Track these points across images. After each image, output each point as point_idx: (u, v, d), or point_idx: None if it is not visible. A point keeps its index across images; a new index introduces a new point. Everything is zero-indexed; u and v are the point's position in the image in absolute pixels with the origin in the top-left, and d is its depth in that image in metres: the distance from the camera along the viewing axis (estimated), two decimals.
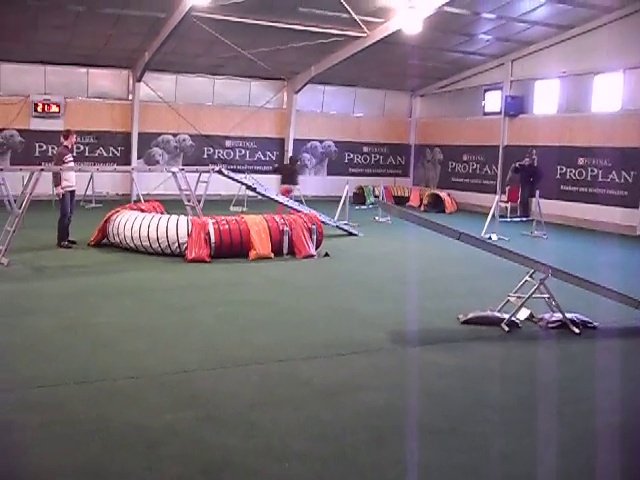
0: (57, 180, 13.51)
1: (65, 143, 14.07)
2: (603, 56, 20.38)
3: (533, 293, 8.66)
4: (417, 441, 5.25)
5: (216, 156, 25.96)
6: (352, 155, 28.43)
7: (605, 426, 5.61)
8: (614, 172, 20.37)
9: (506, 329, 8.46)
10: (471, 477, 4.76)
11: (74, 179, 13.94)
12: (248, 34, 20.46)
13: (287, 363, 6.96)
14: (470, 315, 8.80)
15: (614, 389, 6.53)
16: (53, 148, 23.24)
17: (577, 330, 8.48)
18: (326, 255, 13.50)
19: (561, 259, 11.79)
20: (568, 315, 8.64)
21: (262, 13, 19.00)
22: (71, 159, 14.04)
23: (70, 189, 13.79)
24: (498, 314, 8.78)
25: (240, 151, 26.44)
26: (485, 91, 25.61)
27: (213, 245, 12.68)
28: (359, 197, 25.14)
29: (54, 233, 13.88)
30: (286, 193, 18.83)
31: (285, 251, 13.22)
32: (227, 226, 12.90)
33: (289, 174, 19.70)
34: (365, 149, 28.66)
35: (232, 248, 12.80)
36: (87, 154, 24.27)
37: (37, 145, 23.73)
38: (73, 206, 14.08)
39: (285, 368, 6.81)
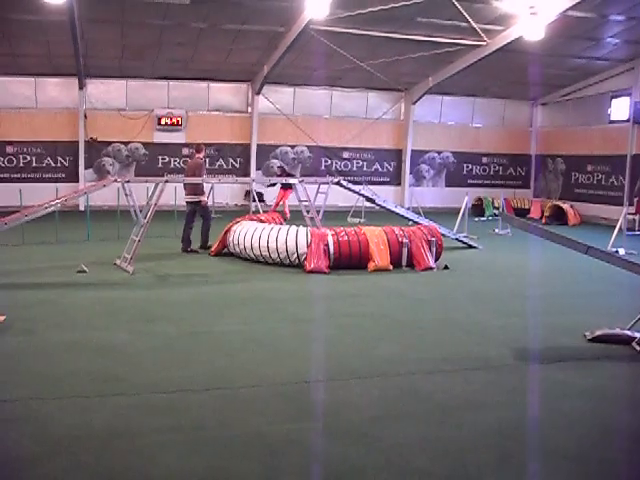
0: (201, 190, 14.62)
1: (199, 156, 15.01)
2: None
3: None
4: (542, 464, 5.00)
5: (333, 167, 26.15)
6: (471, 166, 28.01)
7: None
8: None
9: (638, 349, 8.02)
10: None
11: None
12: (365, 46, 20.53)
13: (407, 377, 6.84)
14: (598, 332, 8.40)
15: None
16: (175, 160, 24.12)
17: None
18: (445, 268, 13.27)
19: None
20: None
21: (380, 24, 19.01)
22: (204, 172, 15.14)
23: (205, 199, 14.83)
24: (629, 332, 8.32)
25: (357, 162, 26.52)
26: (612, 98, 24.63)
27: (332, 256, 12.69)
28: (478, 209, 24.67)
29: (176, 242, 14.36)
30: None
31: (404, 263, 13.08)
32: (346, 237, 12.89)
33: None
34: (484, 160, 28.18)
35: (351, 260, 12.78)
36: (208, 166, 24.90)
37: (160, 157, 24.62)
38: (196, 216, 14.77)
39: (405, 382, 6.69)
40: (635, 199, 22.25)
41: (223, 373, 6.77)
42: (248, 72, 24.11)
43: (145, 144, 24.54)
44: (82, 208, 20.98)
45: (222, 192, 23.20)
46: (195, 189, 14.56)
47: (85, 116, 23.66)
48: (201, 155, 15.09)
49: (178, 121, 24.57)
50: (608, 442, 5.47)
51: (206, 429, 5.40)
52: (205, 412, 5.77)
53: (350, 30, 19.14)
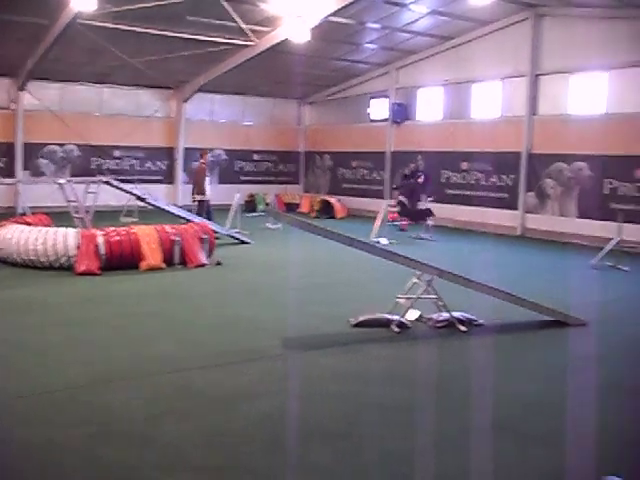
0: (201, 189, 17.51)
1: (202, 160, 18.26)
2: (481, 66, 21.35)
3: (421, 294, 8.98)
4: (312, 445, 5.35)
5: (105, 166, 25.41)
6: (243, 163, 28.43)
7: (491, 420, 5.86)
8: (495, 176, 21.30)
9: (396, 330, 8.72)
10: (363, 478, 4.91)
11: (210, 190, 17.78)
12: (136, 42, 20.21)
13: (181, 374, 6.95)
14: (361, 318, 8.99)
15: (498, 384, 6.83)
16: None
17: (464, 328, 8.85)
18: (218, 264, 13.49)
19: (449, 260, 12.17)
20: (455, 314, 8.99)
21: (150, 21, 18.81)
22: (209, 174, 18.17)
23: (206, 198, 17.50)
24: (388, 316, 8.99)
25: (129, 161, 25.99)
26: (370, 98, 26.20)
27: (103, 257, 12.46)
28: (250, 205, 25.12)
29: None
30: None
31: (177, 261, 13.13)
32: (117, 237, 12.71)
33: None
34: (255, 157, 28.68)
35: (123, 259, 12.61)
36: None
37: None
38: (211, 213, 17.58)
39: (179, 379, 6.79)
40: (395, 192, 23.79)
41: None
42: (10, 66, 22.68)
43: None
44: None
45: None
46: (199, 190, 17.55)
47: None
48: (204, 160, 18.13)
49: None
50: (369, 418, 5.95)
51: None
52: None
53: (119, 26, 18.71)
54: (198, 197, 17.64)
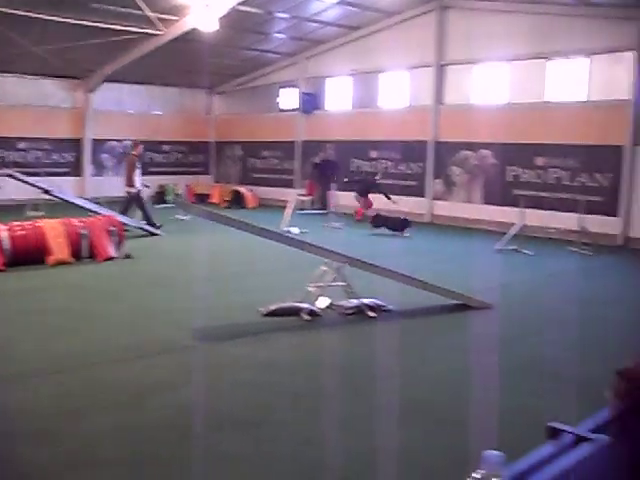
0: (130, 181, 16.62)
1: (134, 152, 17.20)
2: (388, 56, 21.71)
3: (330, 282, 9.13)
4: (225, 434, 5.40)
5: (9, 159, 24.54)
6: (152, 154, 27.93)
7: (399, 403, 6.01)
8: (404, 164, 21.71)
9: (307, 318, 8.84)
10: (281, 464, 5.00)
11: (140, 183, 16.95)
12: (39, 30, 19.57)
13: (90, 369, 6.88)
14: (271, 307, 9.06)
15: (406, 367, 7.04)
16: None
17: (373, 314, 9.06)
18: (128, 257, 13.31)
19: (359, 248, 12.39)
20: (365, 300, 9.18)
21: (54, 8, 18.25)
22: (140, 166, 17.01)
23: (135, 190, 16.68)
24: (299, 304, 9.08)
25: (35, 153, 25.20)
26: (280, 88, 26.24)
27: (8, 252, 12.11)
28: (160, 196, 24.78)
29: None
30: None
31: (85, 255, 12.89)
32: (22, 232, 12.37)
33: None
34: (165, 148, 28.27)
35: (29, 255, 12.24)
36: None
37: None
38: (142, 204, 16.94)
39: (88, 374, 6.72)
40: (306, 182, 23.98)
41: None
42: None
43: None
44: None
45: None
46: (127, 182, 16.74)
47: None
48: (136, 151, 17.19)
49: None
50: (283, 405, 6.04)
51: None
52: None
53: (21, 12, 18.14)
54: (126, 189, 17.03)
